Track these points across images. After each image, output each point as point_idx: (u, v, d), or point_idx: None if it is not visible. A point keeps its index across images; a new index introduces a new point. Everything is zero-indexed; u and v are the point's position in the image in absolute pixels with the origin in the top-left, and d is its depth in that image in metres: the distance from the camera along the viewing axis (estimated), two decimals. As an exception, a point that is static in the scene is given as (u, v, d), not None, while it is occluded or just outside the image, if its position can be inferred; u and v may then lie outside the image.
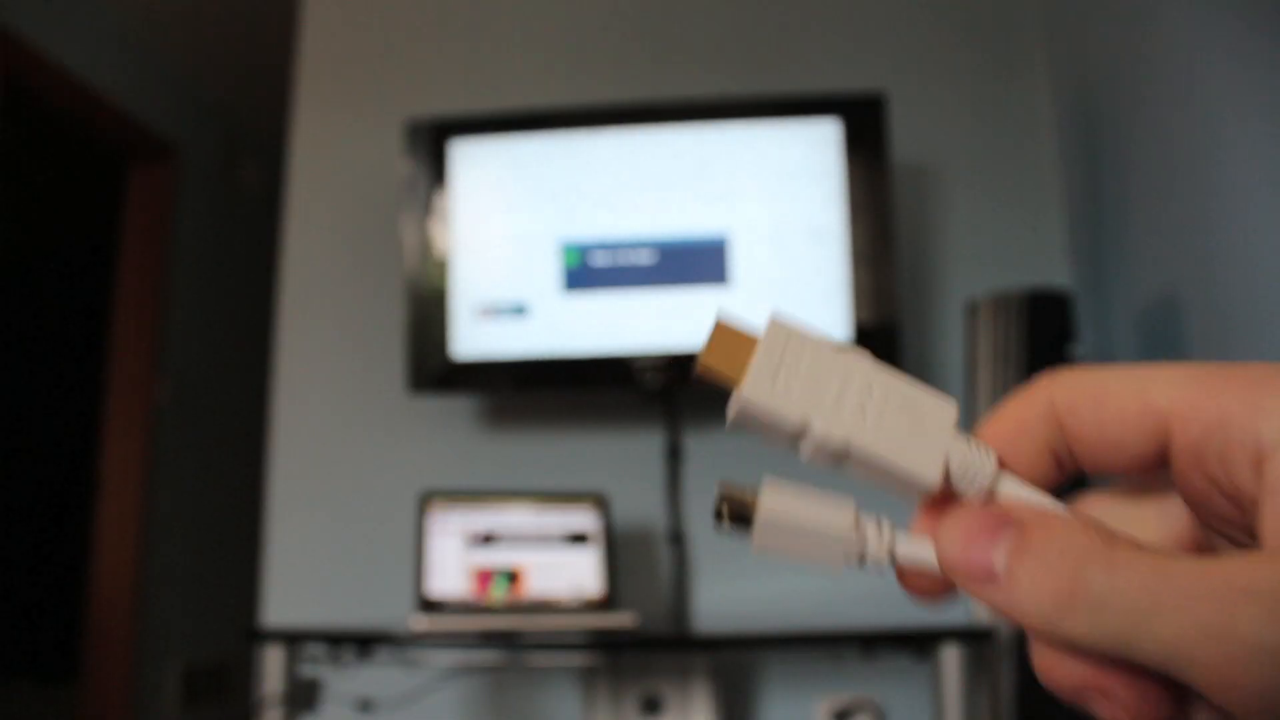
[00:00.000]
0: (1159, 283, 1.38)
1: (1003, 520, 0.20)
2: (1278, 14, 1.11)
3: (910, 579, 0.22)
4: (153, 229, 2.86)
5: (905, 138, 1.72)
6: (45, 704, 3.26)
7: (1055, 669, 0.19)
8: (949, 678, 1.30)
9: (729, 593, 1.65)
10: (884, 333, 1.55)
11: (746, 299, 1.57)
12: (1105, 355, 1.59)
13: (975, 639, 1.32)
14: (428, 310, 1.62)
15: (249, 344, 3.09)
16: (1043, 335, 1.32)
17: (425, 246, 1.64)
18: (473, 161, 1.65)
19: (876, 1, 1.87)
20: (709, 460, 1.66)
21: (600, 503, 1.51)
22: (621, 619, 1.37)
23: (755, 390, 0.23)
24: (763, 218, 1.59)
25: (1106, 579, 0.18)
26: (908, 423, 0.22)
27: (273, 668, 1.38)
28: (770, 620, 1.58)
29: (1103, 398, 0.21)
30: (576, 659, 1.58)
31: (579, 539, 1.48)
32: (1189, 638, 0.17)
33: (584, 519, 1.49)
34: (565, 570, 1.45)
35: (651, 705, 1.53)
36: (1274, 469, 0.18)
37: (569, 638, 1.37)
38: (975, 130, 1.81)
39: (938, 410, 0.23)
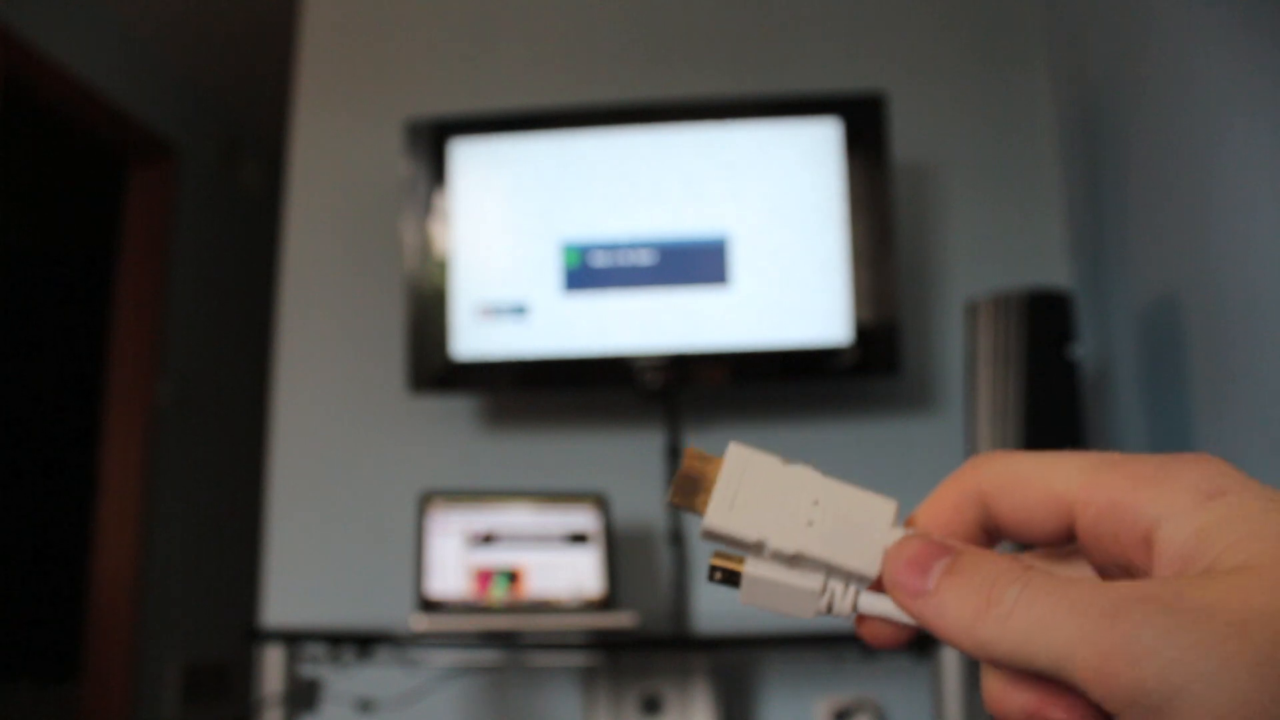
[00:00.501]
0: (1159, 283, 1.38)
1: (942, 549, 0.24)
2: (1278, 14, 1.11)
3: (868, 629, 0.26)
4: (153, 229, 2.86)
5: (905, 137, 1.72)
6: (45, 704, 3.26)
7: (1001, 700, 0.22)
8: (949, 678, 1.30)
9: (729, 593, 1.64)
10: (884, 333, 1.55)
11: (747, 299, 1.57)
12: (1105, 355, 1.59)
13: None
14: (428, 310, 1.62)
15: (249, 344, 3.09)
16: (1043, 335, 1.32)
17: (425, 246, 1.64)
18: (473, 161, 1.65)
19: (876, 1, 1.87)
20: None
21: (600, 503, 1.51)
22: (621, 619, 1.37)
23: (715, 518, 0.27)
24: (763, 218, 1.59)
25: (1017, 592, 0.21)
26: (849, 527, 0.26)
27: (273, 668, 1.38)
28: (770, 620, 1.58)
29: (1017, 484, 0.24)
30: (576, 659, 1.58)
31: (579, 539, 1.48)
32: (1076, 640, 0.20)
33: (584, 519, 1.49)
34: (565, 570, 1.45)
35: (651, 705, 1.53)
36: (1160, 540, 0.21)
37: (569, 638, 1.37)
38: (975, 130, 1.81)
39: (876, 510, 0.27)
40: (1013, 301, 1.33)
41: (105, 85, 2.63)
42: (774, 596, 0.27)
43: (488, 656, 1.58)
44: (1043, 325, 1.32)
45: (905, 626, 0.25)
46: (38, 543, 3.48)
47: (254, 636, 1.41)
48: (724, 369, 1.58)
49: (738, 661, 1.64)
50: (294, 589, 1.72)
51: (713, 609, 1.65)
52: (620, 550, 1.60)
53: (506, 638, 1.34)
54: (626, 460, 1.69)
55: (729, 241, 1.58)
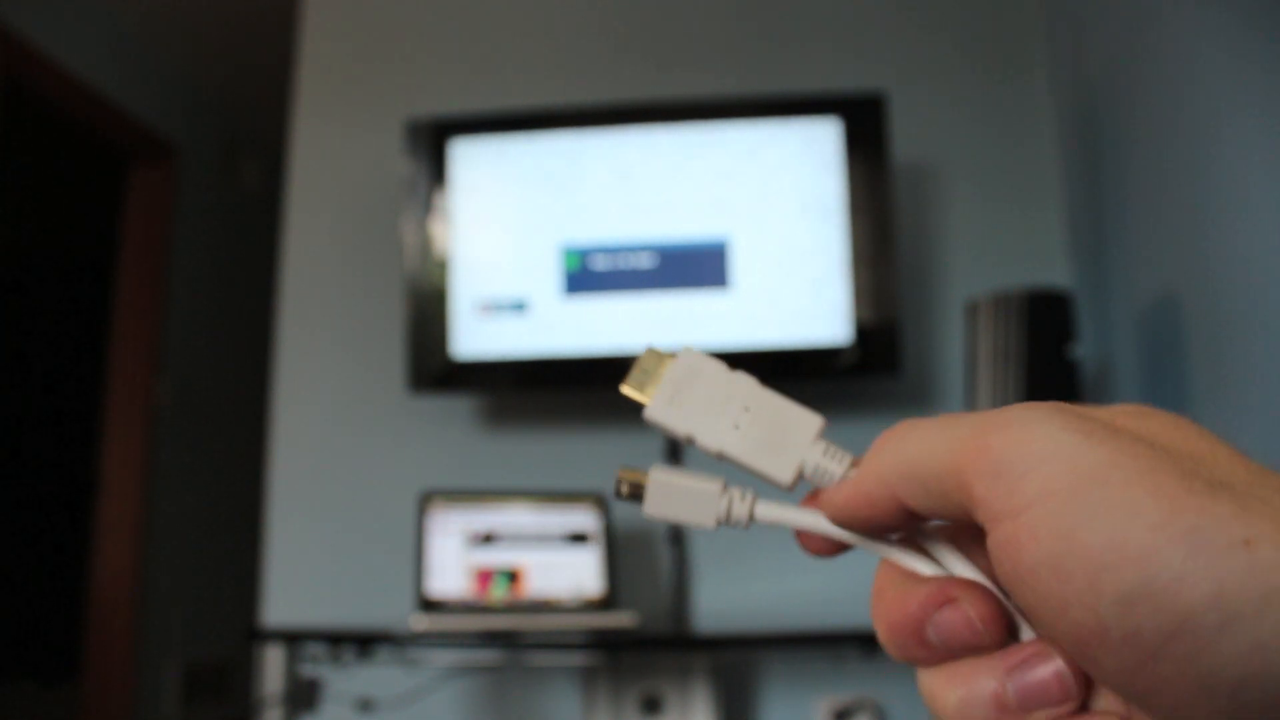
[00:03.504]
0: (1159, 283, 1.38)
1: None
2: (1277, 13, 1.11)
3: (803, 539, 0.28)
4: (153, 229, 2.86)
5: (905, 138, 1.72)
6: (45, 704, 3.27)
7: (897, 606, 0.24)
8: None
9: (729, 593, 1.65)
10: (884, 333, 1.55)
11: (747, 301, 1.57)
12: (1105, 355, 1.59)
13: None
14: (428, 310, 1.62)
15: (249, 344, 3.09)
16: (1043, 335, 1.32)
17: (425, 246, 1.64)
18: (473, 161, 1.65)
19: (876, 1, 1.87)
20: (709, 460, 1.66)
21: (600, 503, 1.51)
22: (621, 619, 1.37)
23: (654, 410, 0.30)
24: (763, 218, 1.59)
25: (915, 424, 0.24)
26: (772, 436, 0.29)
27: (273, 668, 1.38)
28: (770, 620, 1.58)
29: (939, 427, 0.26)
30: (576, 659, 1.58)
31: (579, 539, 1.48)
32: (963, 436, 0.23)
33: (584, 519, 1.49)
34: (565, 570, 1.45)
35: (651, 705, 1.53)
36: None
37: (569, 638, 1.37)
38: (975, 130, 1.81)
39: (802, 424, 0.29)
40: (1013, 301, 1.33)
41: (105, 85, 2.63)
42: (677, 503, 0.29)
43: (488, 656, 1.58)
44: (1043, 325, 1.32)
45: (834, 541, 0.28)
46: (38, 543, 3.48)
47: (254, 636, 1.41)
48: (724, 369, 1.57)
49: (738, 661, 1.64)
50: (294, 589, 1.72)
51: (713, 609, 1.65)
52: (620, 550, 1.60)
53: (506, 637, 1.34)
54: (626, 460, 1.68)
55: (729, 244, 1.58)
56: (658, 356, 0.31)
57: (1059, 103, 1.78)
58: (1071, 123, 1.72)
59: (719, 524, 0.29)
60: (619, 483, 0.30)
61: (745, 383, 0.30)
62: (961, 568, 0.26)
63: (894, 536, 0.27)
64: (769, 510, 0.29)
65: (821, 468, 0.28)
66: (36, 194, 3.54)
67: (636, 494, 0.30)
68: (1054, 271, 1.73)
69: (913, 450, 0.24)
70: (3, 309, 3.58)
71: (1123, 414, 0.23)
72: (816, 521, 0.28)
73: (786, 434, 0.29)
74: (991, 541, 0.22)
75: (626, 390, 0.31)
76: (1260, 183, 1.12)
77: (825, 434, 0.29)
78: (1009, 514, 0.21)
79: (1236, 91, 1.16)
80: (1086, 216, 1.67)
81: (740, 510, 0.29)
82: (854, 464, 0.28)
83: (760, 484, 0.30)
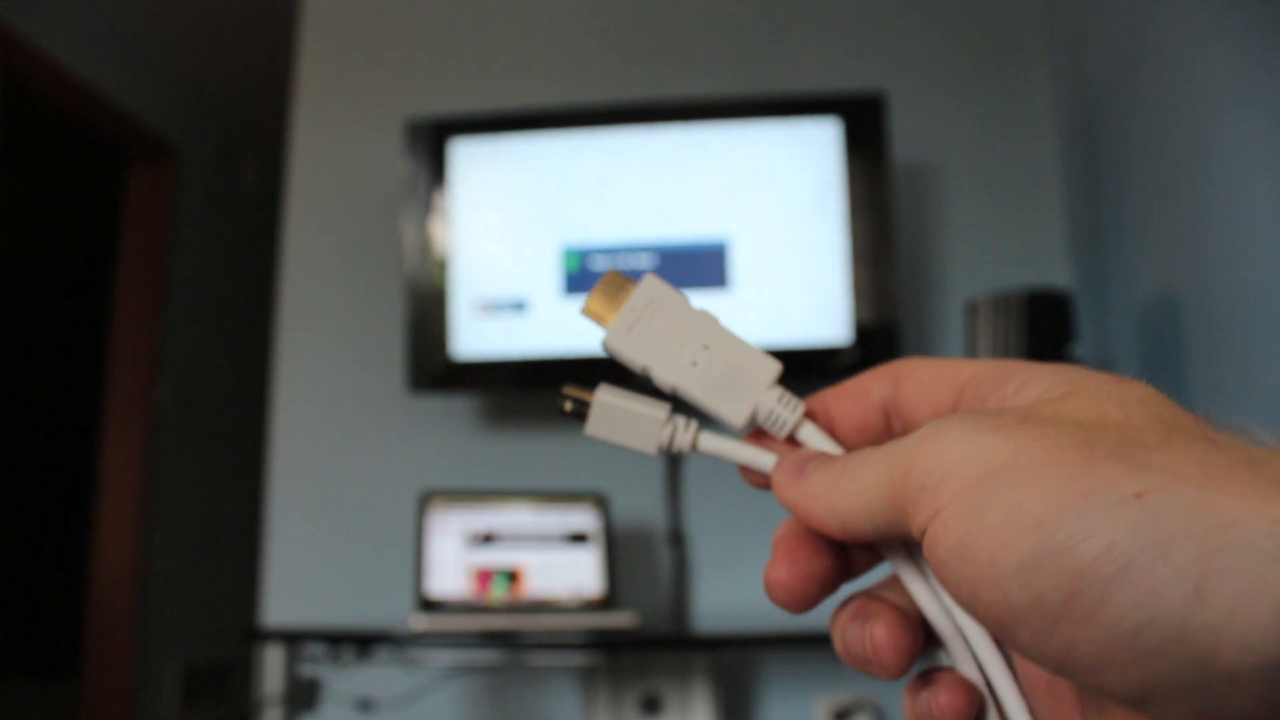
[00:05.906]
0: (1159, 283, 1.38)
1: (821, 454, 0.27)
2: (1277, 14, 1.11)
3: (746, 474, 0.29)
4: (153, 229, 2.86)
5: (905, 138, 1.72)
6: (45, 703, 3.26)
7: (843, 635, 0.26)
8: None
9: (729, 593, 1.65)
10: (884, 333, 1.55)
11: (747, 301, 1.57)
12: (1105, 355, 1.59)
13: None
14: (427, 310, 1.62)
15: (249, 344, 3.09)
16: (1043, 335, 1.32)
17: (425, 246, 1.64)
18: (473, 161, 1.65)
19: (876, 1, 1.87)
20: (709, 460, 1.66)
21: (600, 503, 1.51)
22: (621, 619, 1.37)
23: (612, 337, 0.29)
24: (762, 218, 1.59)
25: (863, 459, 0.25)
26: (728, 377, 0.28)
27: (273, 668, 1.38)
28: (770, 620, 1.58)
29: (933, 365, 0.27)
30: (576, 659, 1.58)
31: (579, 539, 1.48)
32: (895, 461, 0.23)
33: (584, 519, 1.49)
34: (565, 570, 1.45)
35: (651, 705, 1.53)
36: (1014, 393, 0.24)
37: (569, 638, 1.37)
38: (975, 130, 1.81)
39: (760, 368, 0.28)
40: (1013, 301, 1.33)
41: (105, 85, 2.63)
42: (620, 426, 0.29)
43: (488, 656, 1.58)
44: (1043, 325, 1.32)
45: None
46: (37, 542, 3.48)
47: (254, 636, 1.41)
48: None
49: (738, 661, 1.64)
50: (294, 589, 1.72)
51: (713, 609, 1.65)
52: (620, 550, 1.60)
53: (506, 638, 1.34)
54: (626, 460, 1.69)
55: (729, 245, 1.58)
56: (620, 281, 0.30)
57: (1059, 103, 1.78)
58: (1071, 123, 1.72)
59: (660, 451, 0.29)
60: (562, 398, 0.29)
61: (707, 320, 0.29)
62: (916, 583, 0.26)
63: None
64: (712, 442, 0.29)
65: (775, 414, 0.28)
66: (36, 194, 3.54)
67: (580, 413, 0.29)
68: (1054, 271, 1.73)
69: (852, 501, 0.24)
70: (3, 308, 3.58)
71: (1052, 395, 0.23)
72: (758, 457, 0.28)
73: (743, 377, 0.28)
74: (924, 549, 0.22)
75: (586, 313, 0.30)
76: (1260, 183, 1.12)
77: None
78: (930, 518, 0.22)
79: (1236, 91, 1.16)
80: (1086, 216, 1.67)
81: (683, 440, 0.29)
82: (806, 414, 0.28)
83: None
